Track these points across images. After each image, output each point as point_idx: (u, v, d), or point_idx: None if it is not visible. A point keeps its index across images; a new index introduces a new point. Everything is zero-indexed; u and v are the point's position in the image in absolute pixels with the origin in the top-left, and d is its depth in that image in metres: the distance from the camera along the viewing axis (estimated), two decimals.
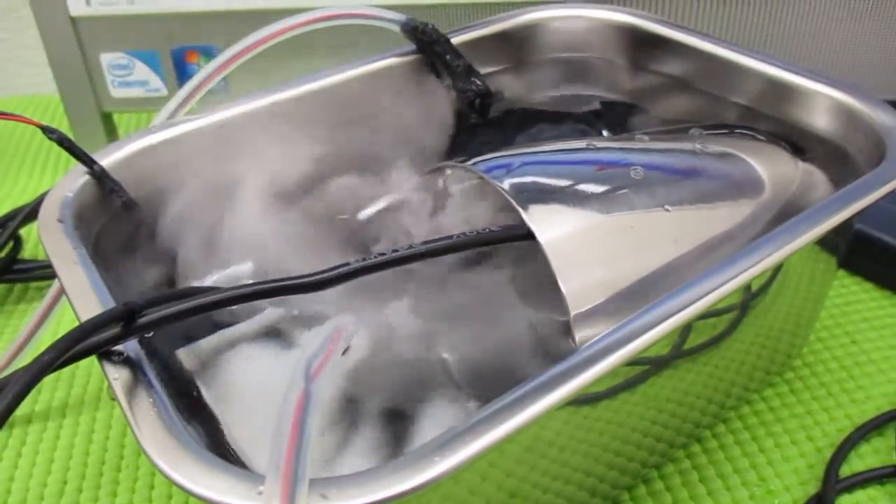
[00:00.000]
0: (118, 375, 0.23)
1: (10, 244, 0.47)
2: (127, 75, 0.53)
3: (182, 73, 0.53)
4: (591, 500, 0.32)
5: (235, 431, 0.27)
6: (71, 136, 0.42)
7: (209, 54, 0.52)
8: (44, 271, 0.47)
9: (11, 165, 0.60)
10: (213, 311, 0.24)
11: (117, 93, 0.54)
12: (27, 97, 0.70)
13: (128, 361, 0.23)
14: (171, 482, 0.20)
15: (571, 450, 0.28)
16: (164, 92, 0.53)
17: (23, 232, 0.48)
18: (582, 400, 0.26)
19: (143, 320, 0.23)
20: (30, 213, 0.47)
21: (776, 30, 0.51)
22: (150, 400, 0.22)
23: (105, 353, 0.23)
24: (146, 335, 0.24)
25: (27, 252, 0.49)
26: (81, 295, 0.26)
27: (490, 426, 0.21)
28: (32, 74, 0.71)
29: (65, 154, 0.60)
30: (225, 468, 0.20)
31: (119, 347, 0.24)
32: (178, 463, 0.20)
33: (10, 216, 0.47)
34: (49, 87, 0.63)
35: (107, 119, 0.55)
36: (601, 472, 0.31)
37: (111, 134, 0.56)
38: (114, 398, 0.23)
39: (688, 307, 0.25)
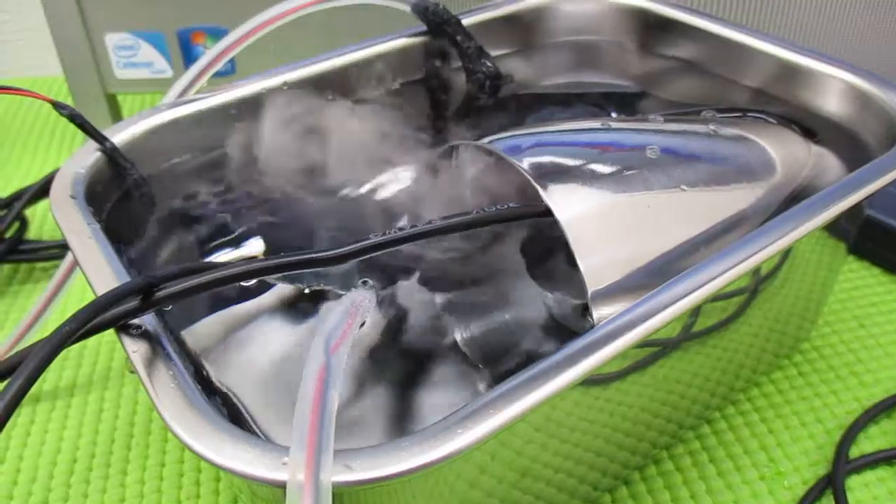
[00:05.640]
0: (137, 348, 0.23)
1: (16, 224, 0.46)
2: (132, 56, 0.52)
3: (188, 54, 0.52)
4: (603, 479, 0.32)
5: (249, 405, 0.27)
6: None
7: (215, 35, 0.52)
8: (49, 251, 0.47)
9: (15, 146, 0.60)
10: (231, 284, 0.24)
11: (122, 74, 0.53)
12: (30, 78, 0.69)
13: (146, 335, 0.23)
14: (195, 454, 0.20)
15: (583, 430, 0.28)
16: (170, 73, 0.53)
17: (28, 212, 0.47)
18: (593, 380, 0.26)
19: (161, 294, 0.23)
20: (35, 193, 0.46)
21: (786, 14, 0.51)
22: (170, 372, 0.22)
23: (123, 326, 0.23)
24: (164, 308, 0.24)
25: (32, 233, 0.49)
26: (97, 270, 0.26)
27: (511, 400, 0.21)
28: (35, 56, 0.71)
29: (69, 134, 0.61)
30: (248, 439, 0.20)
31: (136, 321, 0.24)
32: (201, 434, 0.20)
33: (16, 196, 0.47)
34: (52, 69, 0.63)
35: (111, 100, 0.55)
36: (612, 452, 0.31)
37: (115, 116, 0.56)
38: (132, 371, 0.23)
39: (698, 289, 0.25)
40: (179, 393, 0.21)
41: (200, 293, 0.24)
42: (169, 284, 0.23)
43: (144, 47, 0.52)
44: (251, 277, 0.24)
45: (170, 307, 0.24)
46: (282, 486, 0.19)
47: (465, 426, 0.20)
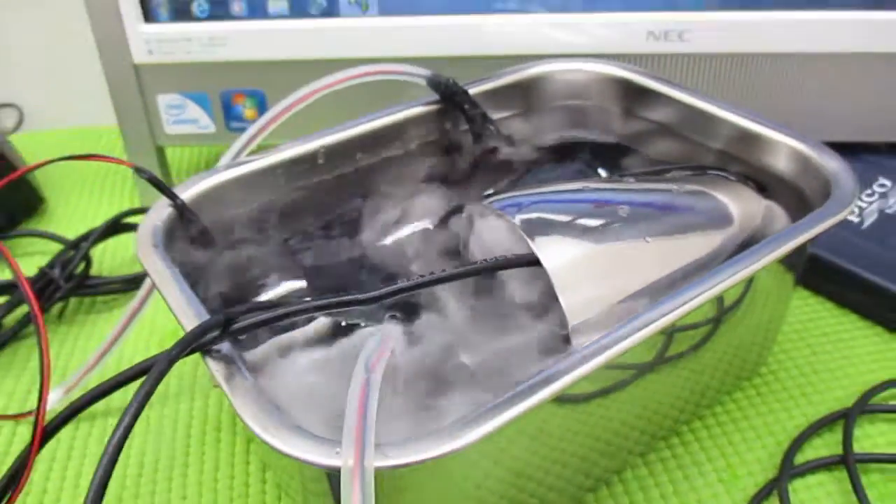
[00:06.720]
0: (218, 368, 0.29)
1: (83, 263, 0.53)
2: (180, 114, 0.60)
3: (229, 112, 0.60)
4: (586, 481, 0.38)
5: (294, 416, 0.34)
6: None
7: (253, 97, 0.59)
8: (109, 286, 0.54)
9: (72, 193, 0.67)
10: (292, 319, 0.31)
11: (171, 129, 0.61)
12: (81, 129, 0.77)
13: (225, 357, 0.30)
14: (269, 446, 0.26)
15: (569, 439, 0.34)
16: (213, 129, 0.60)
17: (91, 252, 0.54)
18: (578, 397, 0.33)
19: (236, 326, 0.30)
20: (100, 235, 0.54)
21: (751, 86, 0.58)
22: (246, 385, 0.29)
23: (207, 351, 0.30)
24: (239, 337, 0.31)
25: (94, 269, 0.55)
26: (181, 307, 0.32)
27: (505, 409, 0.27)
28: (90, 109, 0.77)
29: (118, 183, 0.68)
30: (308, 435, 0.26)
31: (217, 347, 0.30)
32: (274, 432, 0.27)
33: (83, 238, 0.54)
34: (101, 117, 0.70)
35: (160, 152, 0.62)
36: (594, 458, 0.37)
37: (163, 165, 0.63)
38: (216, 385, 0.29)
39: (661, 318, 0.31)
40: (255, 401, 0.28)
41: (268, 325, 0.30)
42: (243, 318, 0.30)
43: (191, 106, 0.60)
44: (306, 313, 0.31)
45: (243, 336, 0.31)
46: (335, 469, 0.25)
47: (470, 427, 0.27)
